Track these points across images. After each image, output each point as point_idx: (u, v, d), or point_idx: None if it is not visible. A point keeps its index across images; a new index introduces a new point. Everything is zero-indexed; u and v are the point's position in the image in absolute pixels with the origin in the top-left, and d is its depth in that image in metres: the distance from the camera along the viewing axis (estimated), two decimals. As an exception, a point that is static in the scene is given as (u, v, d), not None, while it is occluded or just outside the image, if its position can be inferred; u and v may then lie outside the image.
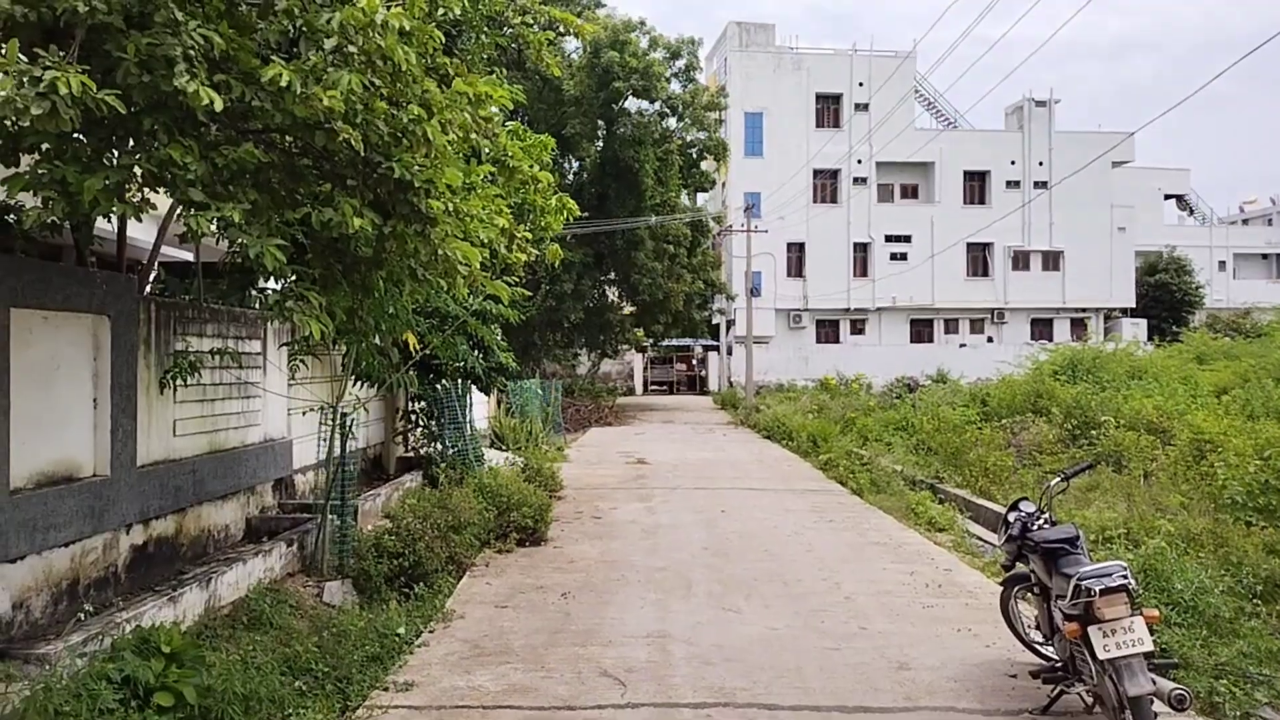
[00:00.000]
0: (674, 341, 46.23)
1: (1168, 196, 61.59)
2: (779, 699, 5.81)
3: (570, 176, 33.71)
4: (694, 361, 53.92)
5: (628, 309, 36.95)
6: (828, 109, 48.68)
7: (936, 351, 45.57)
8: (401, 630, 7.03)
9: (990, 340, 48.55)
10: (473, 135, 6.35)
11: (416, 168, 5.67)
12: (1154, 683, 4.81)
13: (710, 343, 50.88)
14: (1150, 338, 44.03)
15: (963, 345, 48.01)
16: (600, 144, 33.27)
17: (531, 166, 8.63)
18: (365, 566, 8.31)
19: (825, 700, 5.80)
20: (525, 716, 5.53)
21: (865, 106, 46.77)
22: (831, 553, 10.22)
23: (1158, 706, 4.89)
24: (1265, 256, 60.32)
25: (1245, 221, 64.96)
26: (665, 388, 53.22)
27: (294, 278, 6.30)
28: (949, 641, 7.01)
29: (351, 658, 6.25)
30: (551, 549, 10.45)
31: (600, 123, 32.69)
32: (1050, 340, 41.99)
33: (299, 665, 6.03)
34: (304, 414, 9.67)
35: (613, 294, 36.79)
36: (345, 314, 7.05)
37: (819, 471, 17.47)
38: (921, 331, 49.48)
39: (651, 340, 41.57)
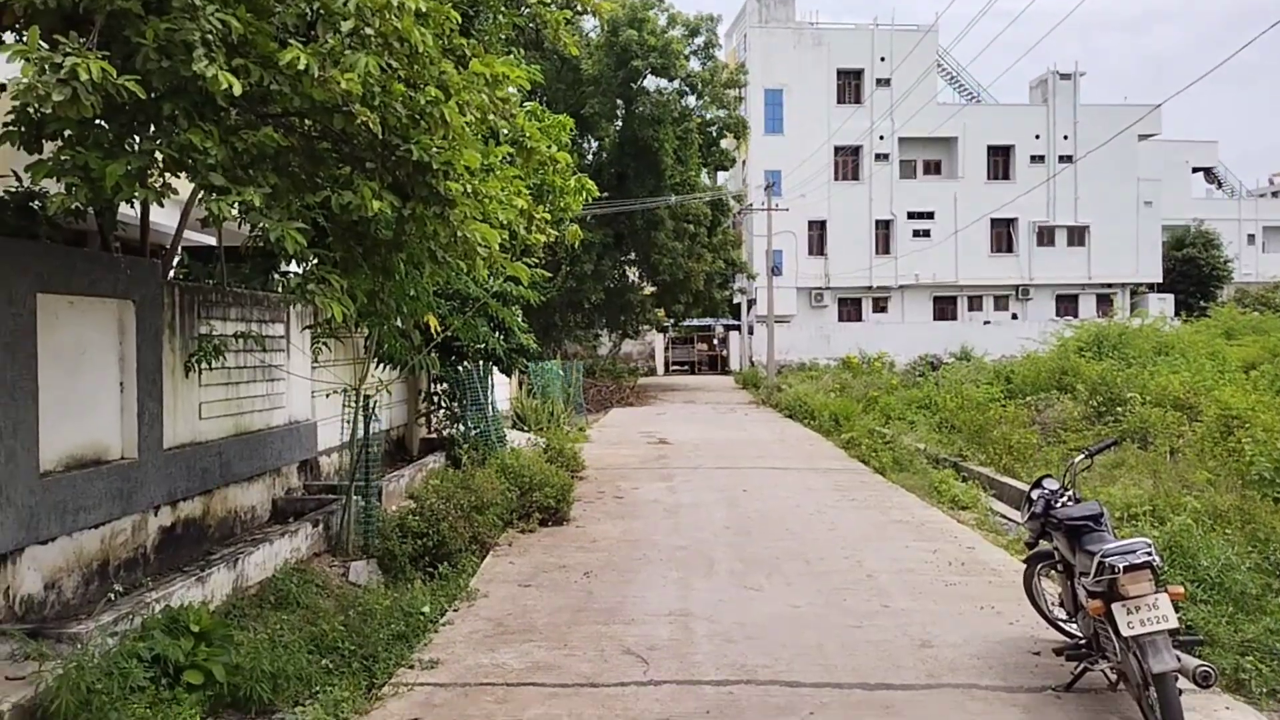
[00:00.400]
0: (695, 321, 46.20)
1: (1195, 169, 60.63)
2: (801, 676, 5.83)
3: (589, 157, 33.63)
4: (715, 341, 53.86)
5: (648, 289, 36.91)
6: (849, 85, 48.24)
7: (960, 329, 45.20)
8: (426, 609, 7.10)
9: (1015, 317, 48.15)
10: (490, 116, 6.33)
11: (435, 150, 5.67)
12: (1178, 660, 4.78)
13: (731, 322, 50.79)
14: (1177, 313, 43.45)
15: (987, 322, 47.66)
16: (619, 123, 33.16)
17: (550, 147, 8.60)
18: (390, 546, 8.40)
19: (847, 678, 5.81)
20: (548, 694, 5.58)
21: (887, 82, 46.27)
22: (854, 531, 10.21)
23: (1182, 684, 4.86)
24: (1296, 229, 59.32)
25: (1275, 194, 63.86)
26: (686, 368, 53.22)
27: (315, 261, 6.34)
28: (972, 619, 7.00)
29: (377, 636, 6.32)
30: (574, 528, 10.51)
31: (619, 102, 32.55)
32: (1075, 316, 41.60)
33: (326, 644, 6.11)
34: (327, 396, 9.76)
35: (633, 274, 36.75)
36: (366, 296, 7.08)
37: (841, 450, 17.43)
38: (945, 309, 49.13)
39: (672, 320, 41.52)
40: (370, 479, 8.74)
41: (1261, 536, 7.83)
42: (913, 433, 17.38)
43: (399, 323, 9.48)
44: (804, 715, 5.24)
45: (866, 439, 16.72)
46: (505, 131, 7.77)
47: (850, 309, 48.95)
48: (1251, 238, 57.74)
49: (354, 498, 8.61)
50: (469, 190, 6.18)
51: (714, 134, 37.27)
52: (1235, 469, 9.87)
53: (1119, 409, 14.66)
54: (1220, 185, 62.61)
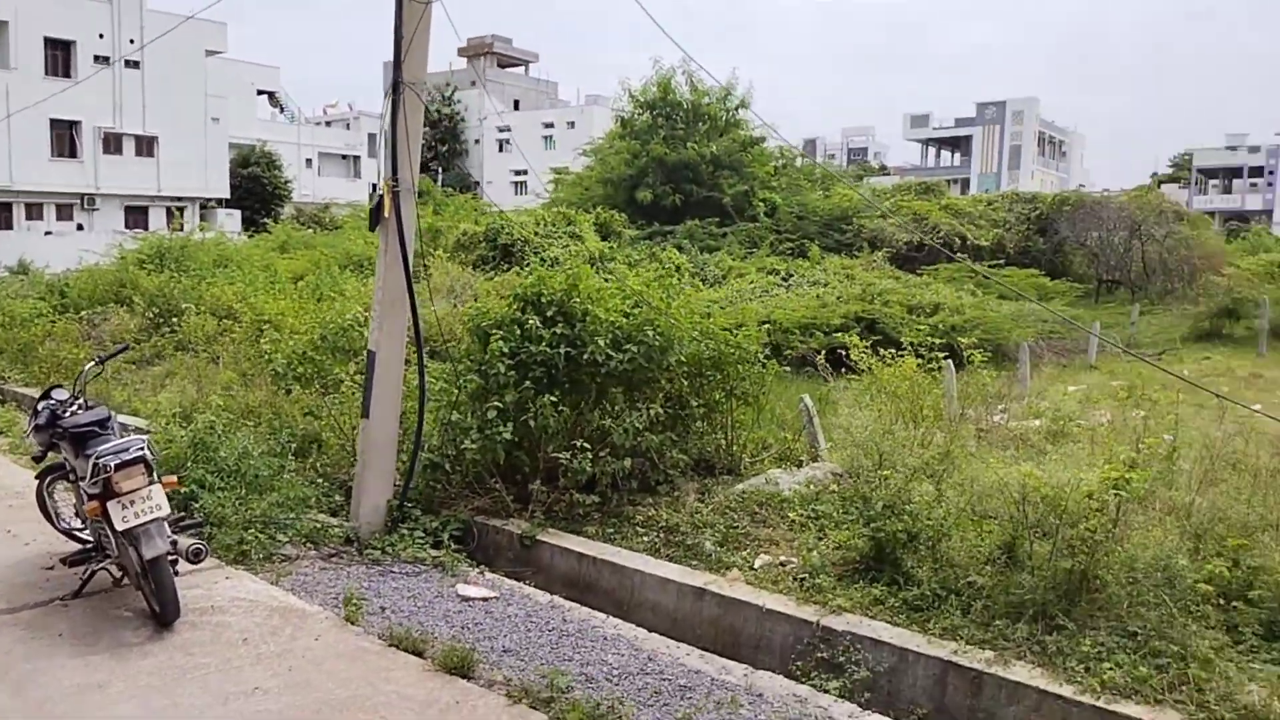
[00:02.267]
0: None
1: (261, 92, 63.98)
2: None
3: None
4: None
5: None
6: None
7: (18, 239, 40.27)
8: None
9: (80, 228, 44.79)
10: None
11: None
12: (174, 544, 5.19)
13: None
14: (246, 228, 45.87)
15: (48, 233, 43.40)
16: None
17: None
18: None
19: None
20: None
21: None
22: None
23: (186, 566, 5.32)
24: (345, 157, 67.33)
25: (329, 124, 71.38)
26: None
27: None
28: (-16, 548, 6.49)
29: None
30: None
31: None
32: (146, 229, 40.57)
33: None
34: None
35: None
36: None
37: None
38: (2, 218, 43.15)
39: None
40: None
41: (279, 425, 8.92)
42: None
43: None
44: None
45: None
46: None
47: None
48: (309, 161, 63.70)
49: None
50: None
51: None
52: (265, 368, 10.97)
53: (175, 320, 14.95)
54: (283, 110, 67.33)
